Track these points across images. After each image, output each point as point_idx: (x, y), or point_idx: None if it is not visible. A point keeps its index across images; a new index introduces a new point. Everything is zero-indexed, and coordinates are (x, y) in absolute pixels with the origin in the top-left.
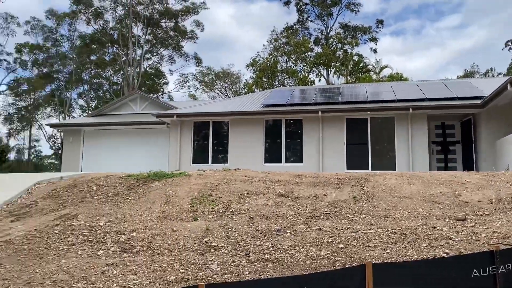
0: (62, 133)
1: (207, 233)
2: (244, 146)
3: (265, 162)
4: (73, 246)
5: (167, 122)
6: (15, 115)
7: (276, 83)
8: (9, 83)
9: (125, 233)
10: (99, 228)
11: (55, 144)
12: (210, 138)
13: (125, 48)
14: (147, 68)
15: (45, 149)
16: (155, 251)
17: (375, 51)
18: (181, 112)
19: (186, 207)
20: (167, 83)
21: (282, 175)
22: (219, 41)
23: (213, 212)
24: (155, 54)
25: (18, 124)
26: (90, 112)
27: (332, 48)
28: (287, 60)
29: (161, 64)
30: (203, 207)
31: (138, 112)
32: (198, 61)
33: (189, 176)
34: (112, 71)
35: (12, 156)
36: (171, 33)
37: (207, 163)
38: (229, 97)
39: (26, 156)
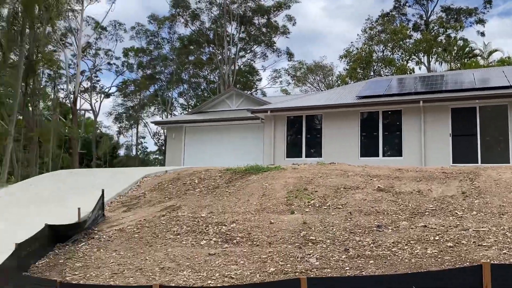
0: (165, 130)
1: (304, 227)
2: (338, 139)
3: (361, 156)
4: (178, 236)
5: (261, 118)
6: (124, 114)
7: (372, 73)
8: (118, 85)
9: (226, 224)
10: (201, 219)
11: (159, 141)
12: (303, 132)
13: (220, 47)
14: (241, 66)
15: (150, 145)
16: (254, 243)
17: (482, 34)
18: (274, 107)
19: (282, 200)
20: (260, 80)
21: (381, 169)
22: (311, 34)
23: (309, 206)
24: (248, 51)
25: (126, 122)
26: (190, 110)
27: (433, 33)
28: (383, 49)
29: (254, 61)
30: (299, 201)
31: (233, 109)
32: (290, 55)
33: (284, 170)
34: (209, 70)
35: (122, 152)
36: (264, 29)
37: (301, 157)
38: (322, 90)
39: (134, 152)
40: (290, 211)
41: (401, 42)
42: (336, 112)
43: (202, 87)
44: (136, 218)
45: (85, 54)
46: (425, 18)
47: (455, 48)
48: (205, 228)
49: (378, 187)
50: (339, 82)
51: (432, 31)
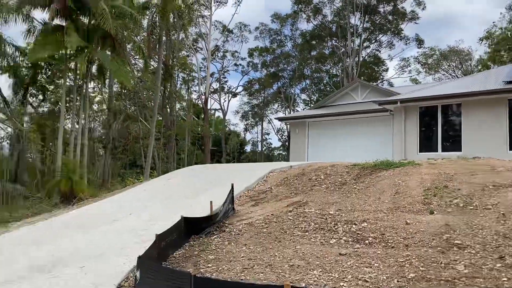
0: (288, 126)
1: (446, 229)
2: (481, 131)
3: (510, 149)
4: (306, 233)
5: (389, 110)
6: (250, 112)
7: None
8: (244, 85)
9: (356, 223)
10: (330, 216)
11: (283, 137)
12: (438, 124)
13: (343, 40)
14: (366, 57)
15: (274, 141)
16: (389, 244)
17: None
18: (404, 98)
19: (419, 199)
20: (386, 70)
21: None
22: (443, 19)
23: (451, 206)
24: (373, 41)
25: (252, 119)
26: (312, 105)
27: None
28: None
29: (379, 51)
30: (439, 200)
31: (359, 101)
32: (419, 42)
33: (419, 165)
34: (331, 64)
35: (248, 148)
36: (390, 17)
37: (436, 151)
38: (458, 77)
39: (259, 148)
40: (429, 211)
41: None
42: (479, 100)
43: (325, 81)
44: (263, 212)
45: (214, 57)
46: None
47: None
48: (333, 226)
49: None
50: (479, 67)
51: None
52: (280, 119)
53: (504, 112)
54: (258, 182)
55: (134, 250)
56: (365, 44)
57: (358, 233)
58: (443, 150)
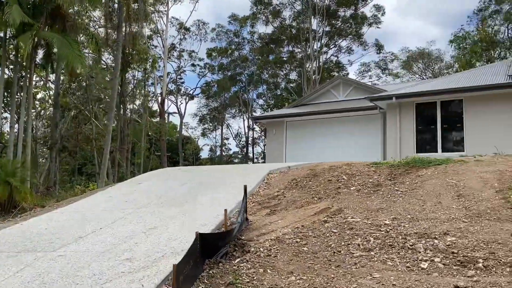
0: (251, 131)
1: None
2: (487, 129)
3: None
4: (371, 253)
5: (379, 107)
6: (207, 116)
7: (496, 56)
8: (202, 86)
9: (436, 237)
10: (389, 228)
11: (240, 142)
12: (438, 122)
13: (303, 43)
14: (327, 61)
15: (233, 147)
16: None
17: None
18: (400, 93)
19: (498, 203)
20: (347, 75)
21: None
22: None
23: None
24: (332, 46)
25: (210, 124)
26: (289, 104)
27: None
28: (507, 27)
29: (337, 57)
30: None
31: (341, 99)
32: (379, 48)
33: (466, 162)
34: (289, 69)
35: (205, 153)
36: (350, 21)
37: (436, 151)
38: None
39: (217, 153)
40: None
41: None
42: (484, 95)
43: (282, 86)
44: (287, 223)
45: (169, 56)
46: None
47: None
48: (405, 242)
49: None
50: (456, 67)
51: None
52: (255, 118)
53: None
54: (259, 185)
55: None
56: (324, 50)
57: (454, 252)
58: (443, 150)
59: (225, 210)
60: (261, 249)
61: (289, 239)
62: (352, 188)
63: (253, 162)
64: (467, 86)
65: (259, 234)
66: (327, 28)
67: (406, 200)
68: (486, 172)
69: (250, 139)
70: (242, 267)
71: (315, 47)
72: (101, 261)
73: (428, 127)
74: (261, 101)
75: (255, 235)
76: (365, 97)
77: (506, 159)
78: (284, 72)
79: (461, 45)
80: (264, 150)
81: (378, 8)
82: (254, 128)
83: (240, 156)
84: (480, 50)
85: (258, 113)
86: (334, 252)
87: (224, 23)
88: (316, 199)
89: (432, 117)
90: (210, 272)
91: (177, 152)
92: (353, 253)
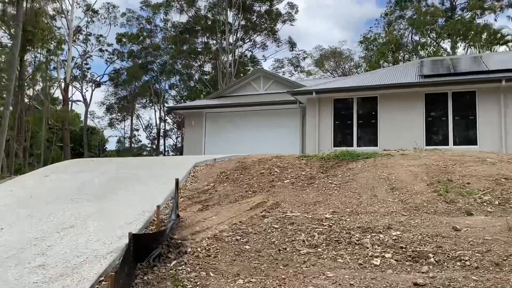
0: (166, 121)
1: (507, 234)
2: (398, 125)
3: (426, 145)
4: (318, 249)
5: (299, 101)
6: (116, 105)
7: (402, 57)
8: (110, 73)
9: (380, 231)
10: (331, 222)
11: (151, 134)
12: (354, 118)
13: (219, 36)
14: (242, 55)
15: (143, 138)
16: (468, 264)
17: None
18: (320, 88)
19: (431, 196)
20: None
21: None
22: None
23: (484, 204)
24: (247, 41)
25: (118, 114)
26: (209, 95)
27: (462, 17)
28: (411, 31)
29: (251, 51)
30: (460, 197)
31: (261, 93)
32: (292, 45)
33: (392, 156)
34: (203, 61)
35: (113, 145)
36: (265, 17)
37: (352, 146)
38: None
39: (127, 145)
40: (464, 211)
41: (434, 25)
42: (396, 93)
43: (195, 78)
44: (223, 220)
45: (74, 39)
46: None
47: (484, 33)
48: (351, 237)
49: None
50: (366, 67)
51: (458, 16)
52: (171, 108)
53: (421, 106)
54: (186, 179)
55: None
56: (239, 43)
57: (402, 247)
58: (358, 145)
59: (158, 207)
60: (199, 249)
61: (228, 236)
62: (286, 181)
63: (164, 155)
64: (382, 84)
65: (194, 232)
66: (243, 22)
67: (342, 193)
68: (413, 166)
69: (162, 131)
70: (181, 271)
71: (230, 40)
72: (5, 268)
73: (345, 123)
74: (173, 92)
75: (189, 233)
76: (286, 91)
77: (429, 154)
78: (198, 63)
79: (369, 47)
80: (176, 142)
81: (292, 6)
82: (166, 119)
83: (149, 149)
84: (387, 52)
85: (170, 104)
86: (279, 250)
87: (136, 8)
88: (250, 192)
89: (349, 113)
90: (145, 278)
91: (81, 143)
92: (299, 250)
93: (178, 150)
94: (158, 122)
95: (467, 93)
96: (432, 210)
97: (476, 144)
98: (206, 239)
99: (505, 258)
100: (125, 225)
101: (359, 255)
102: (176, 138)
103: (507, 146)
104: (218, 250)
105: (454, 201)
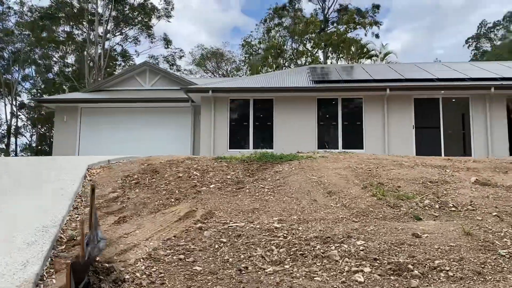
0: (19, 116)
1: (467, 240)
2: (292, 129)
3: (318, 148)
4: (285, 266)
5: (192, 99)
6: None
7: (284, 63)
8: None
9: (341, 240)
10: (283, 232)
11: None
12: (250, 119)
13: (86, 26)
14: (110, 49)
15: None
16: (453, 276)
17: (377, 36)
18: (217, 87)
19: (371, 200)
20: (133, 65)
21: (434, 160)
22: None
23: (426, 208)
24: (117, 33)
25: None
26: (85, 88)
27: (336, 30)
28: (292, 39)
29: (122, 46)
30: (400, 201)
31: (147, 88)
32: (167, 42)
33: (314, 159)
34: (67, 51)
35: None
36: (139, 10)
37: (248, 148)
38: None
39: None
40: (412, 216)
41: (311, 35)
42: (291, 97)
43: (56, 69)
44: (151, 234)
45: None
46: (324, 14)
47: (353, 46)
48: (313, 250)
49: (476, 180)
50: (245, 70)
51: (330, 29)
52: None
53: (314, 111)
54: (82, 184)
55: None
56: (109, 36)
57: (375, 258)
58: (255, 147)
59: (82, 222)
60: (138, 274)
61: (167, 255)
62: (211, 186)
63: (16, 155)
64: (278, 86)
65: (119, 252)
66: (114, 13)
67: (279, 199)
68: (340, 169)
69: (13, 128)
70: None
71: (100, 31)
72: None
73: (241, 124)
74: (28, 85)
75: (115, 254)
76: (179, 88)
77: (346, 157)
78: (60, 54)
79: (249, 51)
80: (31, 142)
81: (168, 2)
82: (19, 115)
83: None
84: (270, 57)
85: (24, 98)
86: (239, 270)
87: None
88: (172, 200)
89: (245, 114)
90: None
91: None
92: (264, 269)
93: (33, 151)
94: (9, 117)
95: (355, 99)
96: (381, 216)
97: (363, 148)
98: (141, 260)
99: (482, 266)
100: (25, 246)
101: (335, 270)
102: (31, 137)
103: (389, 150)
104: (162, 275)
105: (397, 206)
